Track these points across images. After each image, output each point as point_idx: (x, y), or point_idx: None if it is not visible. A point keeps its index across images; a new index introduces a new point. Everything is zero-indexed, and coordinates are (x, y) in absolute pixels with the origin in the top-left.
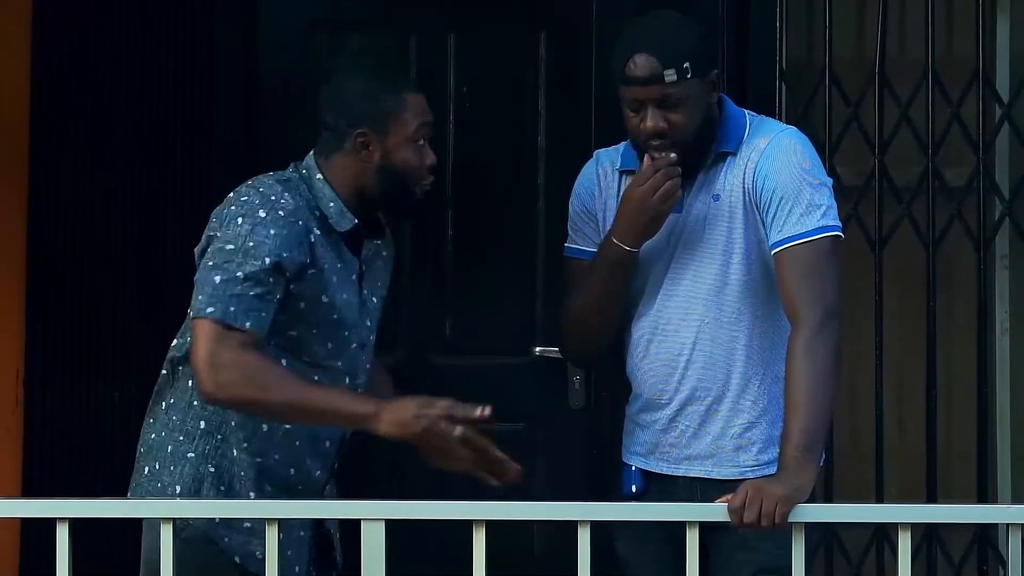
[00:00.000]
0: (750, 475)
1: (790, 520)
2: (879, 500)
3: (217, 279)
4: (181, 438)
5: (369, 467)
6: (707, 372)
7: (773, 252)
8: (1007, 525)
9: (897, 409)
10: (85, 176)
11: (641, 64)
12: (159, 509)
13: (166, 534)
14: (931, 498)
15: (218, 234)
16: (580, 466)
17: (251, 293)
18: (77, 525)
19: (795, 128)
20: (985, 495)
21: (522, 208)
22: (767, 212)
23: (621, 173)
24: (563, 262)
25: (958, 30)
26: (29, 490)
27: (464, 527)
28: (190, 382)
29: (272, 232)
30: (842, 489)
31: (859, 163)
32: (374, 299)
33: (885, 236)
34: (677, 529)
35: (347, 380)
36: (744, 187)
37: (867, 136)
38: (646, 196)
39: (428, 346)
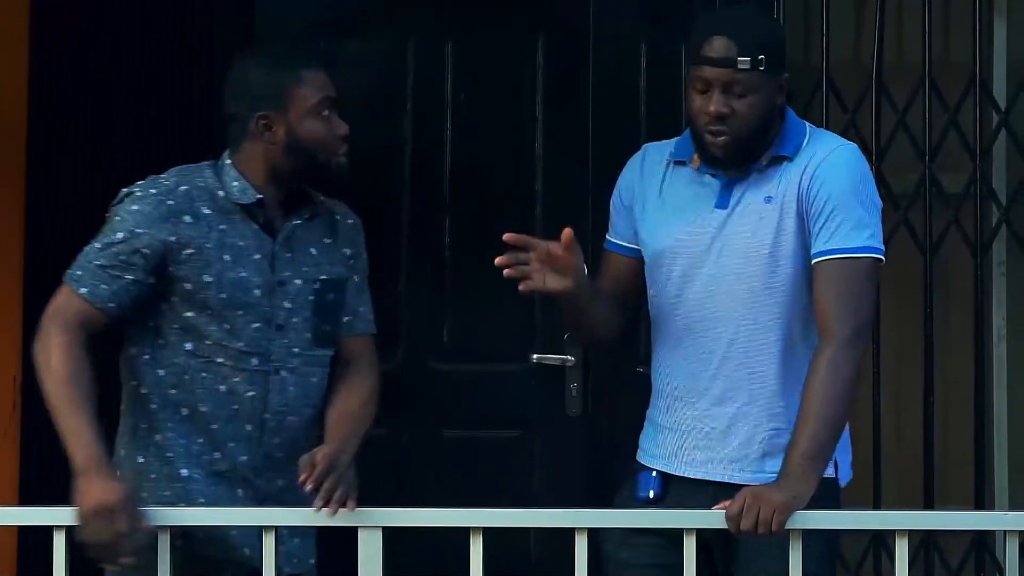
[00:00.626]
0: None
1: (787, 527)
2: (876, 507)
3: (87, 247)
4: (126, 439)
5: (367, 473)
6: (740, 373)
7: (814, 261)
8: (1004, 532)
9: (894, 415)
10: (84, 176)
11: (718, 46)
12: (155, 517)
13: (163, 543)
14: (928, 505)
15: None
16: (577, 473)
17: (96, 263)
18: (74, 530)
19: (855, 145)
20: (982, 502)
21: (520, 214)
22: (816, 221)
23: (671, 163)
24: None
25: (955, 35)
26: (27, 496)
27: (462, 533)
28: (127, 379)
29: (135, 208)
30: (840, 495)
31: None
32: (297, 281)
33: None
34: (679, 538)
35: (255, 361)
36: (799, 193)
37: (864, 142)
38: None
39: (426, 352)
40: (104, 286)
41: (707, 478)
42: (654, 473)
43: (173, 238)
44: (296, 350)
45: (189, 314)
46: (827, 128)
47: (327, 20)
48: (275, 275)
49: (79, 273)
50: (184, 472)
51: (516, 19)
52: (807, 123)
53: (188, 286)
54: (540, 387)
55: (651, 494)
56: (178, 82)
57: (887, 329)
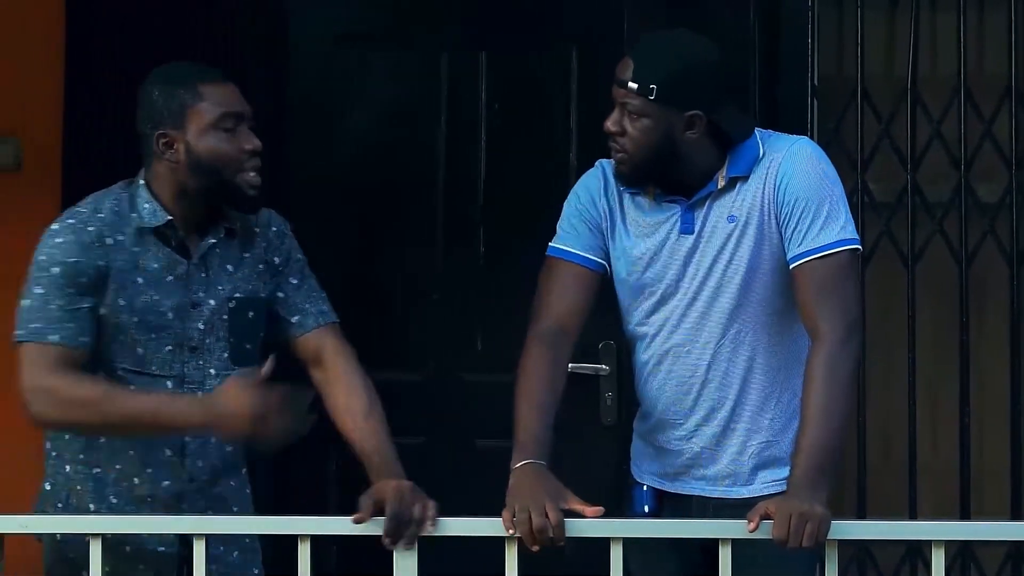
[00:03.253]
0: (768, 492)
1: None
2: (912, 517)
3: (25, 303)
4: (48, 459)
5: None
6: (723, 391)
7: (792, 266)
8: None
9: (930, 425)
10: None
11: (621, 65)
12: (182, 525)
13: (199, 549)
14: (964, 514)
15: None
16: (611, 482)
17: (51, 306)
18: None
19: (806, 138)
20: (1019, 511)
21: (553, 224)
22: (787, 223)
23: (625, 190)
24: (544, 264)
25: (990, 45)
26: None
27: (495, 542)
28: None
29: (59, 240)
30: (875, 505)
31: (891, 179)
32: (211, 301)
33: (917, 252)
34: (688, 552)
35: (169, 384)
36: (763, 202)
37: (899, 152)
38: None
39: (459, 362)
40: (71, 324)
41: (701, 494)
42: (645, 487)
43: (103, 263)
44: (212, 371)
45: (102, 341)
46: (863, 139)
47: (361, 33)
48: (189, 296)
49: (37, 326)
50: (92, 507)
51: (549, 30)
52: (759, 134)
53: (104, 311)
54: (574, 396)
55: (646, 509)
56: None
57: (923, 339)
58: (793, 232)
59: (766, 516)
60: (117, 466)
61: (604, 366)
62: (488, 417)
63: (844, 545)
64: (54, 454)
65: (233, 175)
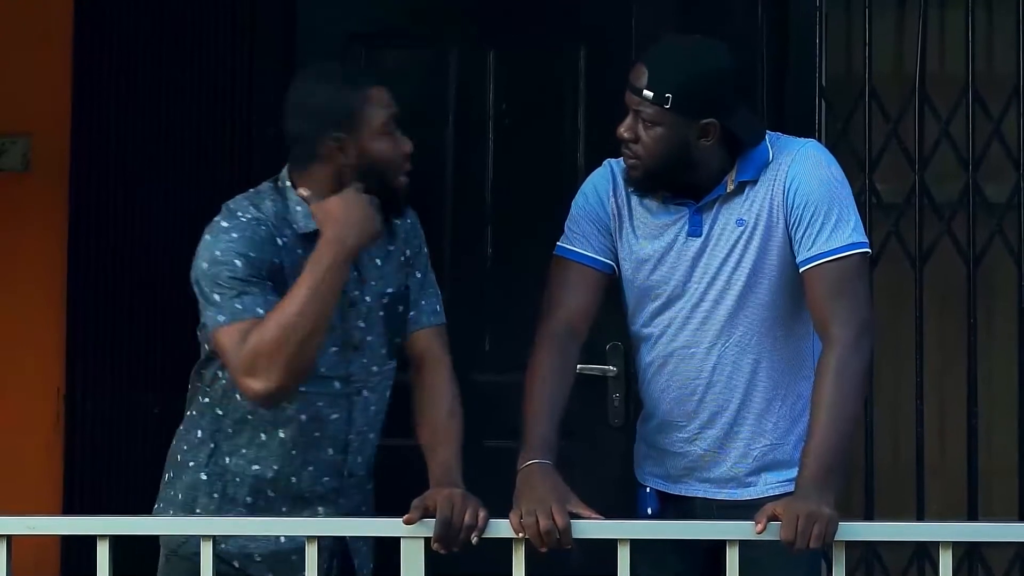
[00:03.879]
0: (772, 493)
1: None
2: (920, 518)
3: (215, 297)
4: (185, 447)
5: (407, 483)
6: (727, 395)
7: (803, 269)
8: None
9: (938, 426)
10: (125, 194)
11: (635, 72)
12: (197, 526)
13: (206, 550)
14: (972, 515)
15: (197, 259)
16: (618, 483)
17: (250, 288)
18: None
19: (814, 141)
20: None
21: (561, 224)
22: (797, 226)
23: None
24: (552, 263)
25: (998, 44)
26: (71, 504)
27: (503, 542)
28: (199, 395)
29: (235, 236)
30: (882, 506)
31: (899, 179)
32: (367, 298)
33: (925, 252)
34: (691, 553)
35: (337, 385)
36: (772, 206)
37: (907, 152)
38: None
39: (467, 363)
40: (272, 298)
41: (705, 496)
42: (648, 490)
43: (278, 260)
44: (375, 368)
45: None
46: (870, 139)
47: (369, 32)
48: (346, 295)
49: (239, 306)
50: (249, 499)
51: (558, 30)
52: (768, 138)
53: None
54: (582, 397)
55: (649, 511)
56: (218, 99)
57: (930, 339)
58: (803, 236)
59: (773, 517)
60: (275, 467)
61: (612, 367)
62: (496, 417)
63: (851, 546)
64: (211, 445)
65: (393, 178)
